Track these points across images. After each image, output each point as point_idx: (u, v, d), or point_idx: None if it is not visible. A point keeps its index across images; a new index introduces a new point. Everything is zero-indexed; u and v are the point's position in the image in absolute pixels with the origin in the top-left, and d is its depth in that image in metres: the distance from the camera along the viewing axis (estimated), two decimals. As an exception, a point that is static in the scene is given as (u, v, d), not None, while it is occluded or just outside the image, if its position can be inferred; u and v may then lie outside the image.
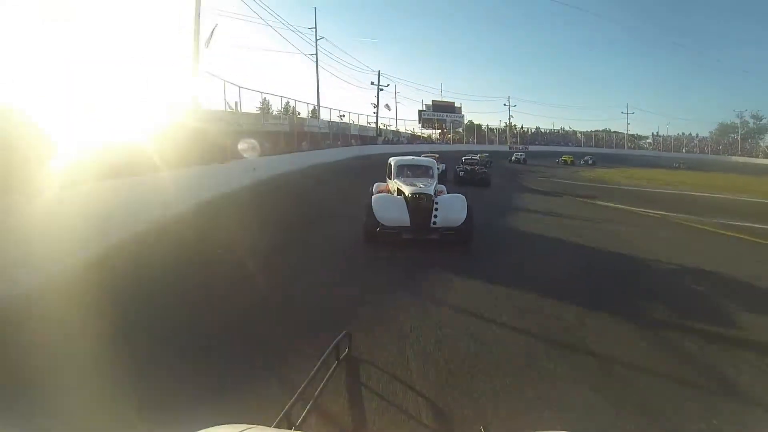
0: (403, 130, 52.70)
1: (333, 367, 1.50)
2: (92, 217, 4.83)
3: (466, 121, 61.06)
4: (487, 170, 16.42)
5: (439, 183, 6.81)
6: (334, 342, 1.55)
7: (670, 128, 64.54)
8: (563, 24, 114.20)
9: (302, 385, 1.24)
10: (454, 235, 5.60)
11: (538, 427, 0.99)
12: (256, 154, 13.07)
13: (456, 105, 60.05)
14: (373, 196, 5.98)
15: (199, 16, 12.72)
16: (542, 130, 60.06)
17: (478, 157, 20.20)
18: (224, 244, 5.45)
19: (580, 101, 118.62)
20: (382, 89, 40.96)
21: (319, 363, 1.40)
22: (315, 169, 17.84)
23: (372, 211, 5.58)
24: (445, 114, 59.12)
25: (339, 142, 29.79)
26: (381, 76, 41.45)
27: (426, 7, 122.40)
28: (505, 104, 56.43)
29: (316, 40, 32.69)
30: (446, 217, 5.62)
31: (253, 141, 12.98)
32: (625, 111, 57.80)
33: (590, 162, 33.54)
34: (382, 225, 5.50)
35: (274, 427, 0.92)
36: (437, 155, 15.83)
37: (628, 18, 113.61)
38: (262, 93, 24.75)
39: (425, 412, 2.11)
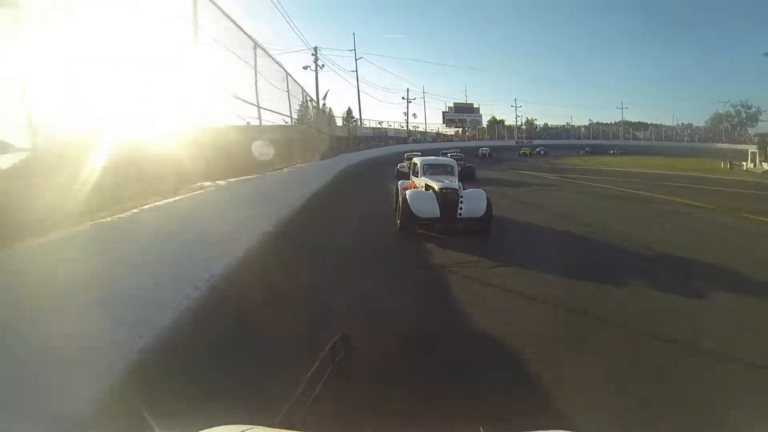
0: (429, 130, 63.92)
1: (330, 369, 1.49)
2: (304, 180, 11.48)
3: (489, 118, 71.20)
4: (472, 165, 18.61)
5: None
6: (331, 343, 1.52)
7: (678, 118, 71.56)
8: (577, 25, 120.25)
9: (301, 386, 1.23)
10: (477, 224, 6.51)
11: (538, 427, 0.92)
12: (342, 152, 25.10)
13: (475, 106, 70.23)
14: (407, 192, 6.80)
15: (318, 86, 24.95)
16: (549, 126, 69.30)
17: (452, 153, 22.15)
18: (356, 176, 17.21)
19: (589, 98, 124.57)
20: (410, 101, 52.70)
21: (317, 364, 1.37)
22: (374, 159, 29.63)
23: (408, 204, 6.41)
24: (465, 114, 69.30)
25: (381, 143, 41.59)
26: (410, 88, 53.29)
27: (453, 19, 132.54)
28: (512, 105, 66.21)
29: (356, 60, 43.78)
30: (470, 209, 6.49)
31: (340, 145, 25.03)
32: (619, 107, 66.13)
33: (542, 153, 40.39)
34: (417, 216, 6.38)
35: (274, 427, 0.93)
36: (419, 153, 18.89)
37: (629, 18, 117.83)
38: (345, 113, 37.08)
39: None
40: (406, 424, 1.99)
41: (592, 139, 63.23)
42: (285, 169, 9.26)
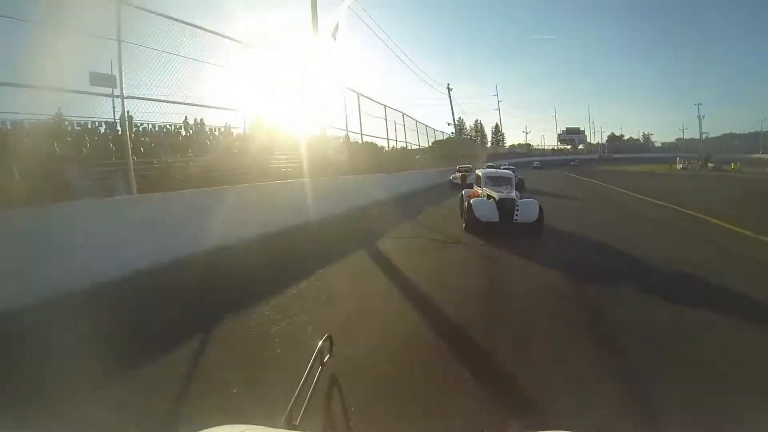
0: (546, 147, 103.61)
1: (320, 369, 1.61)
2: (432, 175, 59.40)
3: (608, 134, 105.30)
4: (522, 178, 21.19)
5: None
6: (319, 345, 1.63)
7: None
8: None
9: (298, 387, 1.32)
10: (530, 227, 7.75)
11: (538, 427, 1.00)
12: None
13: (581, 129, 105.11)
14: (472, 200, 8.28)
15: (484, 137, 72.00)
16: (625, 140, 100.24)
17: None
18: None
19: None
20: (528, 133, 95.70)
21: (309, 366, 1.48)
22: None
23: (473, 210, 7.88)
24: (574, 135, 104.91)
25: (511, 156, 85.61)
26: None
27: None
28: (597, 131, 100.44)
29: (499, 102, 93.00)
30: (525, 215, 7.83)
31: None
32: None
33: (537, 165, 63.13)
34: (480, 220, 7.77)
35: (273, 427, 0.98)
36: (470, 167, 23.87)
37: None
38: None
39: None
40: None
41: (660, 152, 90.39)
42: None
